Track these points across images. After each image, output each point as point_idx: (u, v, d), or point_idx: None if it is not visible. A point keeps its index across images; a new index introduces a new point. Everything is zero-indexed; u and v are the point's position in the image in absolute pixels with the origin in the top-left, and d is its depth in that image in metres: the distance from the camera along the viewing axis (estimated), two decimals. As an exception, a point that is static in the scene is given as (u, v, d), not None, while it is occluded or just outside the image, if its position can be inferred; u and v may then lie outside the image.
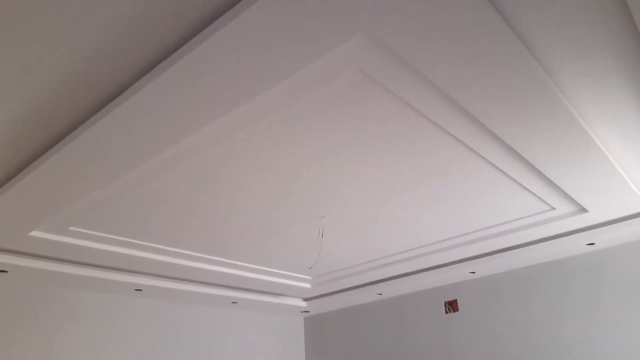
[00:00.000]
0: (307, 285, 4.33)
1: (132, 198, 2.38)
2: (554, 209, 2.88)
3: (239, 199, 2.53)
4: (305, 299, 4.85)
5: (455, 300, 4.30)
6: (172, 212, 2.61)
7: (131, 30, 1.39)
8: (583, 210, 2.86)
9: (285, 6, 1.23)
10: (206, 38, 1.34)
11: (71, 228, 2.62)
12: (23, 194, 2.09)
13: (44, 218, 2.35)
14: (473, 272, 3.98)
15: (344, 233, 3.16)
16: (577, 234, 3.22)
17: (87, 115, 1.73)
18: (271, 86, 1.55)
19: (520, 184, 2.53)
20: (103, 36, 1.39)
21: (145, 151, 1.86)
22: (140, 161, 1.92)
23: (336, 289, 4.51)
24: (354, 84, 1.68)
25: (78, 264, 3.14)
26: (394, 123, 1.95)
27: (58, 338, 3.38)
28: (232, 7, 1.30)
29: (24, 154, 1.94)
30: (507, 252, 3.54)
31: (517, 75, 1.61)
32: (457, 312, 4.27)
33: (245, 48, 1.37)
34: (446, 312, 4.34)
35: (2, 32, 1.34)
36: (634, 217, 2.98)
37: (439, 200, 2.74)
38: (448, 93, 1.68)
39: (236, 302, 4.43)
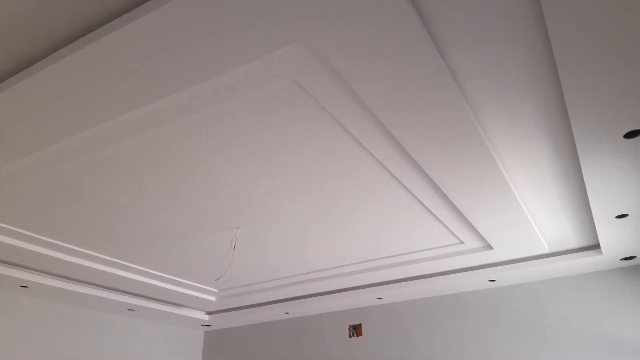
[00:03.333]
0: (212, 298, 4.15)
1: (26, 183, 2.14)
2: (462, 242, 2.97)
3: (147, 197, 2.36)
4: (208, 312, 4.65)
5: (360, 325, 4.31)
6: (70, 205, 2.38)
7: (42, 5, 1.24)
8: (489, 247, 2.98)
9: (222, 3, 1.16)
10: (127, 22, 1.23)
11: (-52, 210, 2.32)
12: None
13: None
14: (380, 298, 4.01)
15: (256, 247, 3.05)
16: (480, 270, 3.34)
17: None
18: (199, 82, 1.45)
19: (434, 215, 2.58)
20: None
21: (46, 135, 1.67)
22: (40, 145, 1.73)
23: (242, 304, 4.37)
24: (285, 92, 1.62)
25: (-48, 252, 2.79)
26: (321, 139, 1.91)
27: None
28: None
29: None
30: (414, 281, 3.61)
31: (444, 107, 1.63)
32: (360, 337, 4.28)
33: (173, 38, 1.26)
34: (350, 336, 4.33)
35: None
36: (534, 259, 3.15)
37: (355, 223, 2.72)
38: (376, 114, 1.67)
39: (133, 310, 4.15)
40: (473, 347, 3.66)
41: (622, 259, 3.10)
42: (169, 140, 1.89)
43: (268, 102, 1.67)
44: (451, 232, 2.80)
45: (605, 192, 2.21)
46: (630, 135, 1.80)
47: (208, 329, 5.13)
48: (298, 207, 2.51)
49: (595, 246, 3.02)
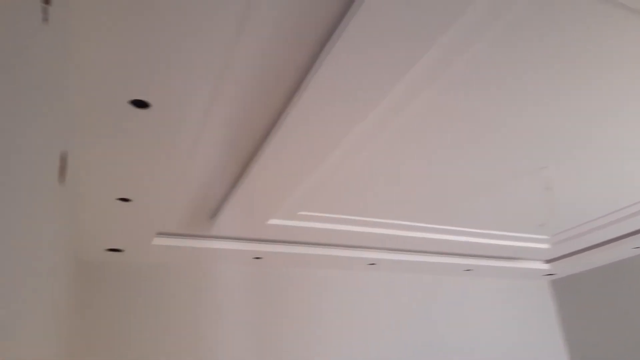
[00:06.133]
0: (545, 246, 3.95)
1: (341, 177, 2.50)
2: None
3: (444, 159, 2.44)
4: (547, 261, 4.45)
5: None
6: (382, 185, 2.66)
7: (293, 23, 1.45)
8: None
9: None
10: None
11: (300, 213, 2.90)
12: (252, 187, 2.37)
13: (275, 207, 2.63)
14: None
15: (574, 182, 2.78)
16: None
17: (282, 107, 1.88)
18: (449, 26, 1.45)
19: None
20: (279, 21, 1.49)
21: (339, 127, 1.90)
22: (339, 137, 1.97)
23: (582, 247, 4.02)
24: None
25: (313, 244, 3.45)
26: (623, 42, 1.63)
27: (305, 311, 3.77)
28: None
29: (245, 152, 2.21)
30: None
31: None
32: None
33: None
34: None
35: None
36: None
37: (698, 125, 2.19)
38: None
39: (470, 270, 4.32)
40: None
41: None
42: (447, 96, 1.92)
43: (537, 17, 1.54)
44: None
45: None
46: None
47: (553, 277, 4.90)
48: (609, 131, 2.19)
49: None
